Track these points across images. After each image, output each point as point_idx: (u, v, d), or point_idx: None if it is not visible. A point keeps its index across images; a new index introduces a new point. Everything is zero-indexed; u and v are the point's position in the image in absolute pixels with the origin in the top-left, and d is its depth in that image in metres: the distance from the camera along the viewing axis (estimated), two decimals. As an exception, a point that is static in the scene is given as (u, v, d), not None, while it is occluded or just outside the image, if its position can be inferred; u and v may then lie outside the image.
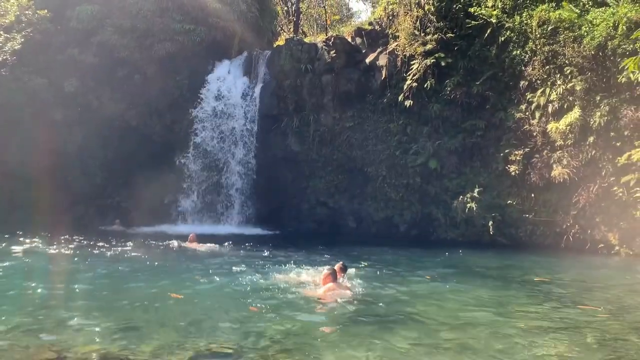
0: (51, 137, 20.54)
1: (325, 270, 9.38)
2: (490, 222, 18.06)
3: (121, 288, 9.48)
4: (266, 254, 14.14)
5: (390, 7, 22.27)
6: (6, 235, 15.28)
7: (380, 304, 8.53)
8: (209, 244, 15.14)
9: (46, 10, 21.29)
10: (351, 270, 10.84)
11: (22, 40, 20.28)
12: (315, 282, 9.70)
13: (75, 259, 12.28)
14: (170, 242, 15.58)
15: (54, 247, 13.98)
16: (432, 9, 20.19)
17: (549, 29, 17.83)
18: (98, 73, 21.70)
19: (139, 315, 7.47)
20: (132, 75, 22.01)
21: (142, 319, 7.24)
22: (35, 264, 11.48)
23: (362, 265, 12.25)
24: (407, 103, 20.04)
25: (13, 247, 13.64)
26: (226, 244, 15.41)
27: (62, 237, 15.48)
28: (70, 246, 14.15)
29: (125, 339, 6.29)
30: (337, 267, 9.82)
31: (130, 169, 21.25)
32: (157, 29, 22.36)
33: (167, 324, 7.03)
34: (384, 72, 21.21)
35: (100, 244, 14.72)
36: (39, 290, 8.80)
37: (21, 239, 15.11)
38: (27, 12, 20.93)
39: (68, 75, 21.32)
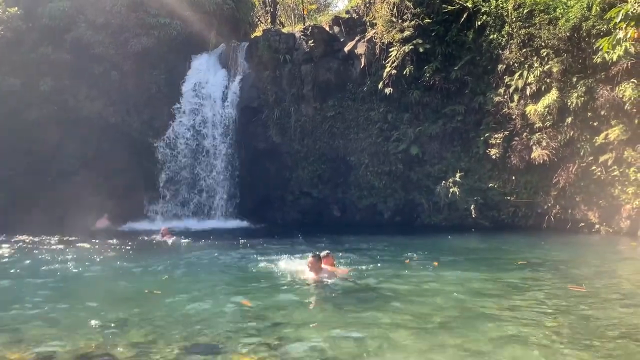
0: (27, 137, 20.17)
1: (310, 257, 9.45)
2: (473, 206, 18.24)
3: (102, 285, 9.42)
4: (251, 246, 14.13)
5: (367, -6, 22.22)
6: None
7: (367, 290, 8.59)
8: (184, 238, 15.18)
9: (17, 8, 20.80)
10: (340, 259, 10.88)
11: (-7, 39, 19.82)
12: (300, 271, 9.74)
13: (55, 258, 12.13)
14: (148, 237, 15.58)
15: (33, 247, 13.78)
16: (409, -5, 20.16)
17: (524, 12, 17.96)
18: (73, 71, 21.29)
19: (123, 311, 7.40)
20: (109, 72, 21.63)
21: (126, 315, 7.17)
22: (15, 265, 11.30)
23: (348, 253, 12.30)
24: (387, 90, 20.05)
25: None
26: (210, 237, 15.37)
27: (41, 238, 15.26)
28: (48, 246, 13.97)
29: (110, 335, 6.25)
30: (322, 254, 9.91)
31: (111, 167, 20.97)
32: (131, 24, 22.02)
33: (153, 320, 6.98)
34: (363, 60, 21.18)
35: (81, 242, 14.53)
36: (19, 289, 8.70)
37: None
38: (-4, 10, 20.46)
39: (42, 74, 20.87)
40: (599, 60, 15.78)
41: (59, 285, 9.21)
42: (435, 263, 11.03)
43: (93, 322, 6.81)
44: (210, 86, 22.71)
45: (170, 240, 15.06)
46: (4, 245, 14.14)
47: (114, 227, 19.50)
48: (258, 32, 27.51)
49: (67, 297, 8.36)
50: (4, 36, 20.32)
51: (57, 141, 21.03)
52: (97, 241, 14.91)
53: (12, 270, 10.70)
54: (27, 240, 15.05)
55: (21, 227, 16.68)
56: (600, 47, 14.89)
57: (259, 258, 11.84)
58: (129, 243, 14.69)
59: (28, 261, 11.77)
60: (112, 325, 6.72)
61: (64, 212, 20.17)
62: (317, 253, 9.65)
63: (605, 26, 15.55)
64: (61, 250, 13.32)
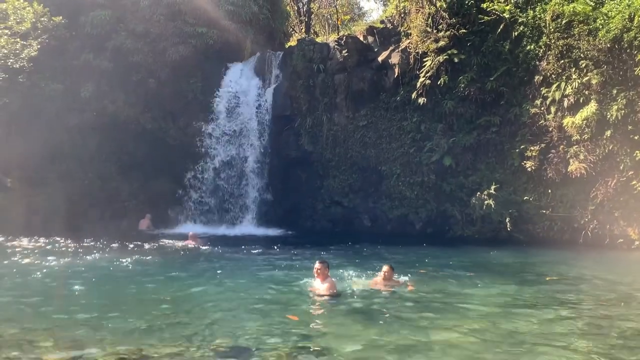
0: (67, 141, 20.82)
1: (317, 264, 9.02)
2: (507, 219, 17.91)
3: (137, 289, 9.57)
4: (282, 253, 14.17)
5: (402, 4, 22.21)
6: (23, 240, 15.52)
7: (407, 300, 8.52)
8: (212, 244, 15.30)
9: (61, 17, 21.53)
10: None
11: (38, 47, 20.51)
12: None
13: (89, 261, 12.43)
14: (177, 242, 15.78)
15: (68, 250, 14.12)
16: (444, 5, 20.09)
17: (563, 22, 17.66)
18: (113, 78, 21.90)
19: (156, 315, 7.53)
20: (147, 79, 22.20)
21: (160, 319, 7.29)
22: (51, 267, 11.61)
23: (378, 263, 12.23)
24: (421, 100, 19.95)
25: (24, 251, 13.82)
26: (240, 244, 15.50)
27: (77, 241, 15.60)
28: (84, 249, 14.29)
29: (145, 337, 6.36)
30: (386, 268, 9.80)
31: (146, 172, 21.46)
32: (169, 33, 22.56)
33: (188, 324, 7.07)
34: (396, 70, 21.13)
35: (114, 245, 14.83)
36: (54, 292, 8.92)
37: (37, 243, 15.27)
38: (42, 19, 21.18)
39: (84, 80, 21.55)
40: (640, 72, 15.39)
41: (91, 287, 9.41)
42: (422, 270, 11.11)
43: (125, 325, 6.93)
44: (244, 95, 23.02)
45: (198, 246, 15.20)
46: (35, 248, 14.54)
47: (153, 229, 19.92)
48: (292, 42, 27.84)
49: (99, 299, 8.53)
50: (48, 44, 21.04)
51: (96, 145, 21.60)
52: (127, 245, 15.10)
53: (44, 271, 11.00)
54: (63, 243, 15.42)
55: (57, 230, 17.03)
56: (643, 59, 14.64)
57: (292, 266, 11.86)
58: (154, 248, 14.84)
59: (62, 264, 12.07)
60: (146, 328, 6.83)
61: (100, 216, 20.72)
62: (323, 262, 9.09)
63: (648, 37, 15.18)
64: (91, 254, 13.57)
